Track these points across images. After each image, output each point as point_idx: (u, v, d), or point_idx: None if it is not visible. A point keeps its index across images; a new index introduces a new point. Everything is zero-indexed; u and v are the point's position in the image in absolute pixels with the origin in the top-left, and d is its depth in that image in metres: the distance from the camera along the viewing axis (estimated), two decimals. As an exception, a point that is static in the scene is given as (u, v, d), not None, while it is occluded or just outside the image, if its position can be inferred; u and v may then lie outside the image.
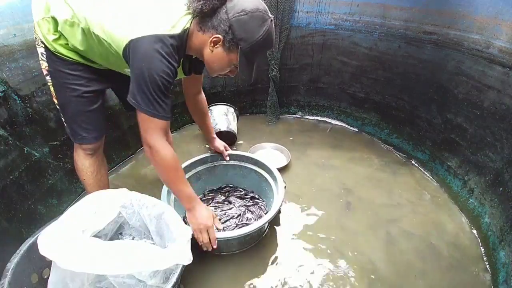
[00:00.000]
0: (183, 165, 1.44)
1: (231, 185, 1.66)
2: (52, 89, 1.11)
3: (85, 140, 1.19)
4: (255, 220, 1.44)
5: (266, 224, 1.36)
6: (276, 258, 1.36)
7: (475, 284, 1.30)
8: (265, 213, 1.44)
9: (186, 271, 1.05)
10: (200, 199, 1.37)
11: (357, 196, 1.72)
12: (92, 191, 1.13)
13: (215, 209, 1.50)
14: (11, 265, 0.91)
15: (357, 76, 2.21)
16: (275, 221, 1.53)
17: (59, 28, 1.00)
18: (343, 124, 2.44)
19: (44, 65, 1.09)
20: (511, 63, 1.38)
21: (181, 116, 2.29)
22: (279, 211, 1.30)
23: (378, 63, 2.06)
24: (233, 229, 1.36)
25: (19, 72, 1.24)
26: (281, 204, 1.27)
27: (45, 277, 1.00)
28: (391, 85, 2.05)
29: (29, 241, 0.99)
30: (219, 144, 1.54)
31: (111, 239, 1.25)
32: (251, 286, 1.25)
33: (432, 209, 1.65)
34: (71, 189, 1.57)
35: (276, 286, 1.25)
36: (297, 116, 2.56)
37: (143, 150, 1.27)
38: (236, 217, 1.45)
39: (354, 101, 2.32)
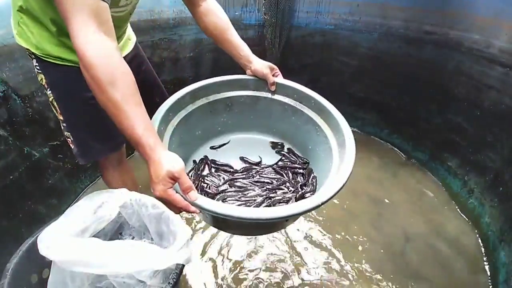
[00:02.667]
0: (207, 82, 0.96)
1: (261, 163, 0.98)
2: (55, 104, 0.99)
3: (101, 154, 1.10)
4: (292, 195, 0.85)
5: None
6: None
7: (475, 284, 1.30)
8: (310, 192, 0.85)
9: (186, 271, 1.04)
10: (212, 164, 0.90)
11: (357, 196, 1.72)
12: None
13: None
14: (11, 265, 0.91)
15: (357, 76, 2.21)
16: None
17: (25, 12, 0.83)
18: (343, 124, 2.44)
19: (41, 78, 0.97)
20: (511, 63, 1.38)
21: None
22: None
23: (378, 63, 2.06)
24: (258, 205, 0.83)
25: (19, 72, 1.24)
26: (345, 183, 0.71)
27: (45, 277, 1.00)
28: (391, 85, 2.05)
29: (29, 241, 0.99)
30: (262, 65, 0.96)
31: (111, 239, 1.24)
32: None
33: (432, 209, 1.65)
34: (71, 189, 1.57)
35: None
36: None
37: None
38: (263, 187, 0.88)
39: (354, 101, 2.32)
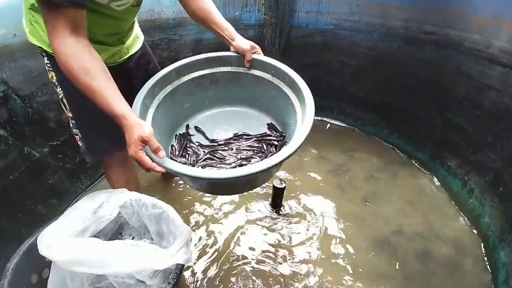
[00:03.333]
0: (191, 59, 1.05)
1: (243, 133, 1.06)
2: (64, 101, 1.01)
3: (107, 151, 1.11)
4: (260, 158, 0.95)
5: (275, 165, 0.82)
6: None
7: (475, 284, 1.30)
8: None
9: (186, 270, 1.04)
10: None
11: (356, 196, 1.72)
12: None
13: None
14: (11, 265, 0.91)
15: (357, 76, 2.21)
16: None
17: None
18: (343, 124, 2.44)
19: (51, 75, 0.99)
20: (511, 63, 1.38)
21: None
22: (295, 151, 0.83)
23: (378, 63, 2.06)
24: (233, 166, 0.93)
25: (19, 72, 1.24)
26: (303, 141, 0.84)
27: (45, 277, 1.00)
28: (391, 85, 2.05)
29: (29, 241, 0.99)
30: (243, 42, 1.03)
31: (111, 239, 1.25)
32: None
33: (432, 209, 1.65)
34: (71, 189, 1.57)
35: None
36: (297, 116, 2.56)
37: None
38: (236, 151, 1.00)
39: (354, 101, 2.32)
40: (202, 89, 1.08)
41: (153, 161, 0.77)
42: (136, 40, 1.17)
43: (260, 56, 1.03)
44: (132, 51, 1.15)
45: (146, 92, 0.93)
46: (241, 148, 0.99)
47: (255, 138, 1.02)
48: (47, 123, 1.38)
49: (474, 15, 1.52)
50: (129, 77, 1.15)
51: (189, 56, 1.08)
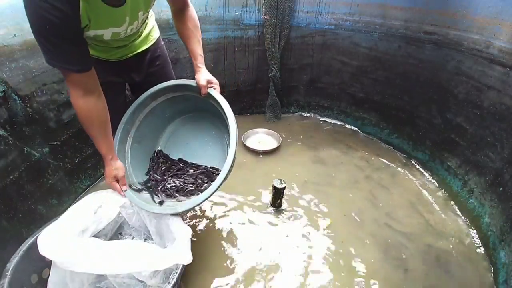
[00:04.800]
0: (163, 85, 1.23)
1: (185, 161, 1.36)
2: None
3: None
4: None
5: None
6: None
7: (475, 284, 1.30)
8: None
9: (186, 270, 1.04)
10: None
11: (356, 196, 1.72)
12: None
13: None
14: (11, 265, 0.91)
15: (357, 76, 2.21)
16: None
17: None
18: (343, 124, 2.44)
19: None
20: (511, 63, 1.38)
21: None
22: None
23: (378, 63, 2.06)
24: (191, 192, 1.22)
25: (19, 72, 1.24)
26: (225, 177, 1.04)
27: (45, 277, 1.00)
28: (391, 85, 2.05)
29: (29, 241, 0.99)
30: (202, 77, 1.14)
31: (111, 239, 1.25)
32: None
33: (432, 209, 1.65)
34: (71, 189, 1.57)
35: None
36: (297, 116, 2.56)
37: None
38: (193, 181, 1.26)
39: (354, 101, 2.32)
40: (177, 103, 1.30)
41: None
42: (148, 38, 1.21)
43: (214, 92, 1.15)
44: (142, 48, 1.20)
45: (126, 120, 1.21)
46: (186, 175, 1.29)
47: (197, 171, 1.30)
48: (47, 123, 1.38)
49: (474, 15, 1.52)
50: (128, 70, 1.21)
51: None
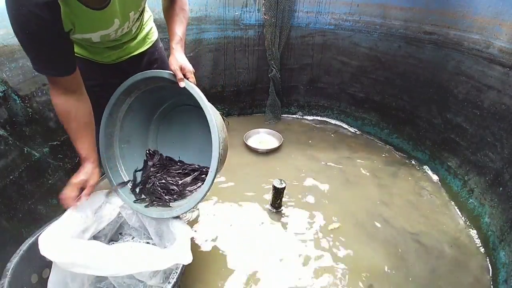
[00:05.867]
0: (134, 79, 1.10)
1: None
2: None
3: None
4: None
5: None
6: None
7: (475, 284, 1.30)
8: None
9: (186, 270, 1.04)
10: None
11: (356, 196, 1.72)
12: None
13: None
14: (11, 265, 0.91)
15: (357, 76, 2.21)
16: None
17: None
18: (343, 124, 2.45)
19: None
20: (511, 63, 1.38)
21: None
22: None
23: (378, 63, 2.06)
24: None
25: (19, 72, 1.24)
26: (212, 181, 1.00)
27: (45, 277, 1.00)
28: (391, 85, 2.05)
29: (29, 241, 0.99)
30: (175, 61, 1.01)
31: (111, 239, 1.25)
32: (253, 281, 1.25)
33: (432, 209, 1.65)
34: (71, 189, 1.57)
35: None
36: (297, 116, 2.56)
37: None
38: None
39: (354, 101, 2.32)
40: (155, 93, 1.21)
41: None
42: (145, 40, 1.19)
43: (189, 85, 1.01)
44: (139, 51, 1.18)
45: (105, 122, 1.16)
46: (172, 174, 1.26)
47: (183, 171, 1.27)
48: (47, 123, 1.38)
49: (474, 15, 1.52)
50: (125, 73, 1.16)
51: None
